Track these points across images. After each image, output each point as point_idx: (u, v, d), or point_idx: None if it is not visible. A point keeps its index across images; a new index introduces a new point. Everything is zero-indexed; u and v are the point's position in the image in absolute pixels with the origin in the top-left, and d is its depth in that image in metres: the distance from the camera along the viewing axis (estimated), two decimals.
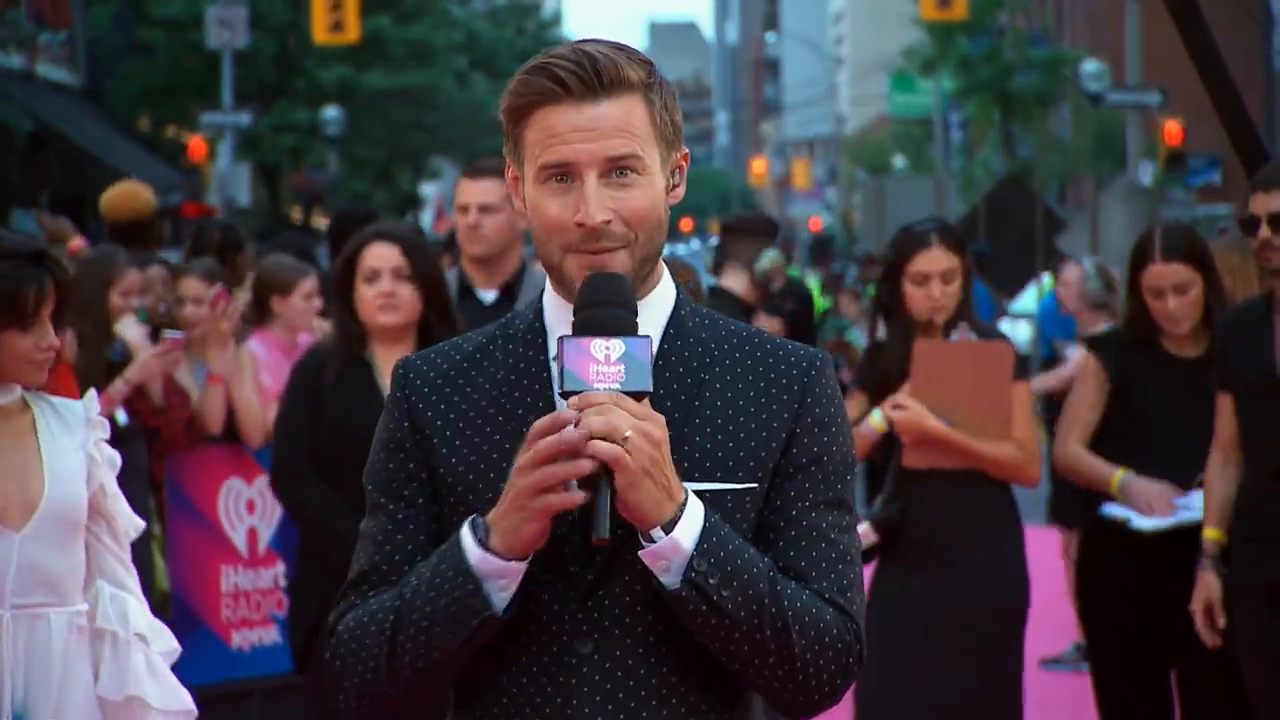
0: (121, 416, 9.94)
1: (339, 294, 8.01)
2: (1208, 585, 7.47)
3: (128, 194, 13.80)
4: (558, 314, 3.82)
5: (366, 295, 7.84)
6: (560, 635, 3.72)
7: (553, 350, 3.76)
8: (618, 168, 3.73)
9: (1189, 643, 7.74)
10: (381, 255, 7.86)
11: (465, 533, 3.64)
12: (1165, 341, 8.01)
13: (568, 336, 3.65)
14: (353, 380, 7.88)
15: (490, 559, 3.61)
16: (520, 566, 3.62)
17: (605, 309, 3.66)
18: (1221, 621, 7.44)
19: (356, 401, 7.76)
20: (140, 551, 10.34)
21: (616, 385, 3.60)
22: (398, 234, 8.22)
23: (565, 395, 3.62)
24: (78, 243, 14.23)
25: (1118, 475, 7.81)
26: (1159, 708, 8.04)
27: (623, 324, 3.65)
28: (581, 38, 3.88)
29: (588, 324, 3.67)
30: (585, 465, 3.56)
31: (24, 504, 5.62)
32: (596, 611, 3.71)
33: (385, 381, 7.58)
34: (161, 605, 10.45)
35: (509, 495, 3.59)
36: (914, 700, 7.80)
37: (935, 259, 7.85)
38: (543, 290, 3.90)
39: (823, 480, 3.78)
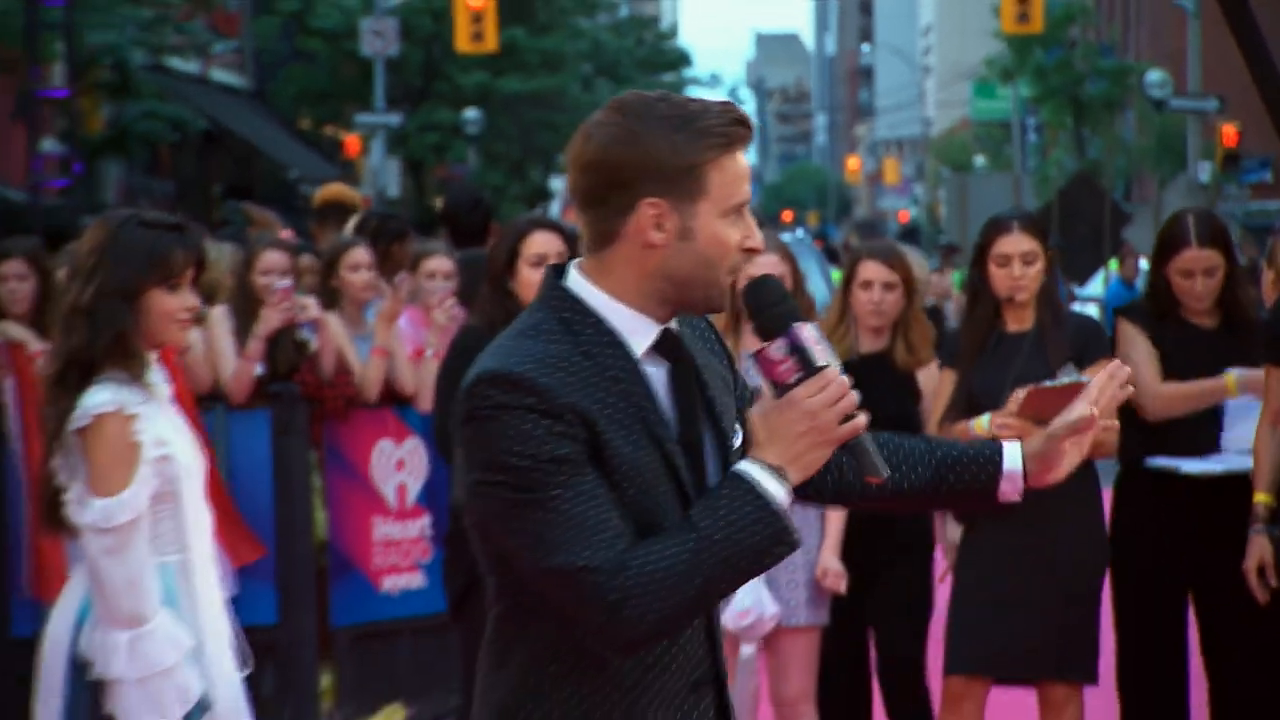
0: (259, 369, 10.15)
1: (497, 277, 7.91)
2: (1260, 547, 7.45)
3: (342, 189, 14.11)
4: (628, 319, 3.80)
5: (534, 279, 7.66)
6: None
7: (639, 348, 3.80)
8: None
9: (1208, 574, 7.87)
10: (547, 241, 7.80)
11: (759, 476, 3.66)
12: (1185, 314, 8.00)
13: (796, 326, 3.71)
14: None
15: (787, 495, 3.66)
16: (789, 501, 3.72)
17: (788, 303, 3.75)
18: (1275, 581, 7.42)
19: None
20: (302, 504, 10.45)
21: (828, 357, 3.72)
22: (556, 223, 8.21)
23: (810, 372, 3.69)
24: (285, 232, 14.33)
25: (1230, 377, 7.79)
26: (1175, 633, 8.02)
27: (798, 311, 3.76)
28: (687, 94, 4.12)
29: (785, 316, 3.74)
30: (862, 421, 3.72)
31: (196, 458, 5.67)
32: None
33: None
34: (320, 552, 10.54)
35: (803, 428, 3.65)
36: (1003, 636, 7.77)
37: (1016, 241, 7.82)
38: (562, 301, 3.83)
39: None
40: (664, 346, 3.82)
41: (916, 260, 12.07)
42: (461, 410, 3.77)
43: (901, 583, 8.06)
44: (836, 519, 7.88)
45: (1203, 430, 7.85)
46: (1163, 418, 7.87)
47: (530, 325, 3.82)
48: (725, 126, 3.76)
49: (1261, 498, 7.53)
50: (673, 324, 3.84)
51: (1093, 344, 7.89)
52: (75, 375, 5.47)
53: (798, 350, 3.69)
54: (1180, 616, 8.06)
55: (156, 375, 5.68)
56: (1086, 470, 7.83)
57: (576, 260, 3.86)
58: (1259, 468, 7.56)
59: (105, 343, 5.45)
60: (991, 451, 4.05)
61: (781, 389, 3.70)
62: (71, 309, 5.54)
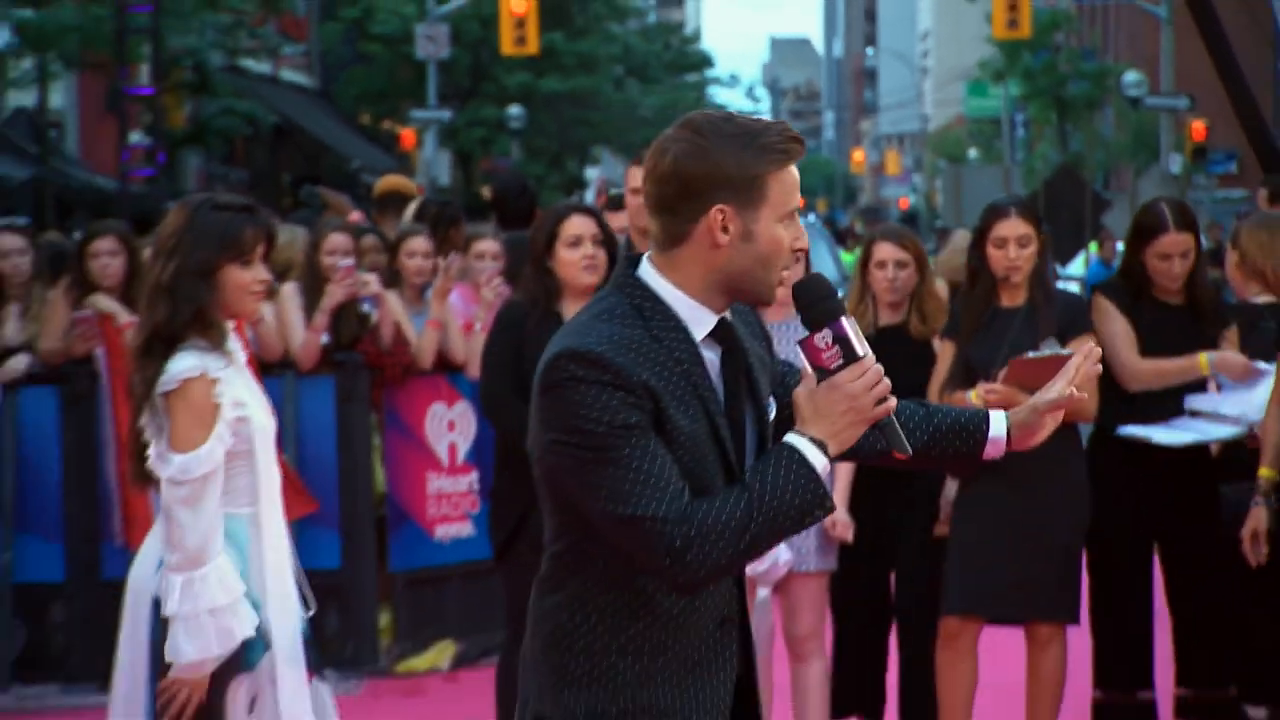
0: (325, 339, 10.23)
1: (538, 257, 7.87)
2: (1257, 518, 7.44)
3: (399, 179, 14.17)
4: (690, 310, 3.90)
5: (572, 258, 7.66)
6: None
7: (698, 333, 3.92)
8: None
9: (1172, 530, 7.91)
10: (582, 224, 7.75)
11: (806, 448, 3.79)
12: (1156, 294, 7.97)
13: (840, 320, 3.82)
14: (548, 328, 7.77)
15: (827, 465, 3.80)
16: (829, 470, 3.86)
17: (833, 299, 3.86)
18: (1265, 549, 7.42)
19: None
20: (363, 461, 10.46)
21: (865, 347, 3.85)
22: (590, 208, 8.20)
23: (850, 360, 3.82)
24: (356, 215, 14.34)
25: (1203, 357, 7.78)
26: (1142, 581, 8.01)
27: (843, 306, 3.87)
28: (734, 110, 4.06)
29: (831, 310, 3.84)
30: (894, 404, 3.86)
31: (269, 420, 5.65)
32: None
33: None
34: (379, 504, 10.55)
35: (844, 409, 3.79)
36: (997, 571, 7.77)
37: (1013, 226, 7.80)
38: (635, 292, 3.93)
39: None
40: (719, 334, 3.93)
41: None
42: (542, 381, 3.84)
43: (919, 530, 8.05)
44: (844, 476, 7.87)
45: (1170, 401, 7.82)
46: (1139, 390, 7.86)
47: (605, 309, 3.91)
48: (784, 143, 3.88)
49: (1266, 472, 7.51)
50: (727, 314, 3.95)
51: (1079, 320, 7.87)
52: (161, 345, 5.47)
53: (840, 340, 3.80)
54: (1147, 567, 8.06)
55: (234, 343, 5.67)
56: (1070, 435, 7.83)
57: (647, 255, 3.95)
58: (1266, 443, 7.54)
59: (186, 316, 5.44)
60: (980, 419, 4.19)
61: (825, 373, 3.81)
62: (155, 286, 5.53)
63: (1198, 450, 7.82)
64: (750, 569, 7.72)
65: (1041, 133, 58.47)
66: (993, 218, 7.89)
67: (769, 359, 4.09)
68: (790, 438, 3.80)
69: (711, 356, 3.92)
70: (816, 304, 3.85)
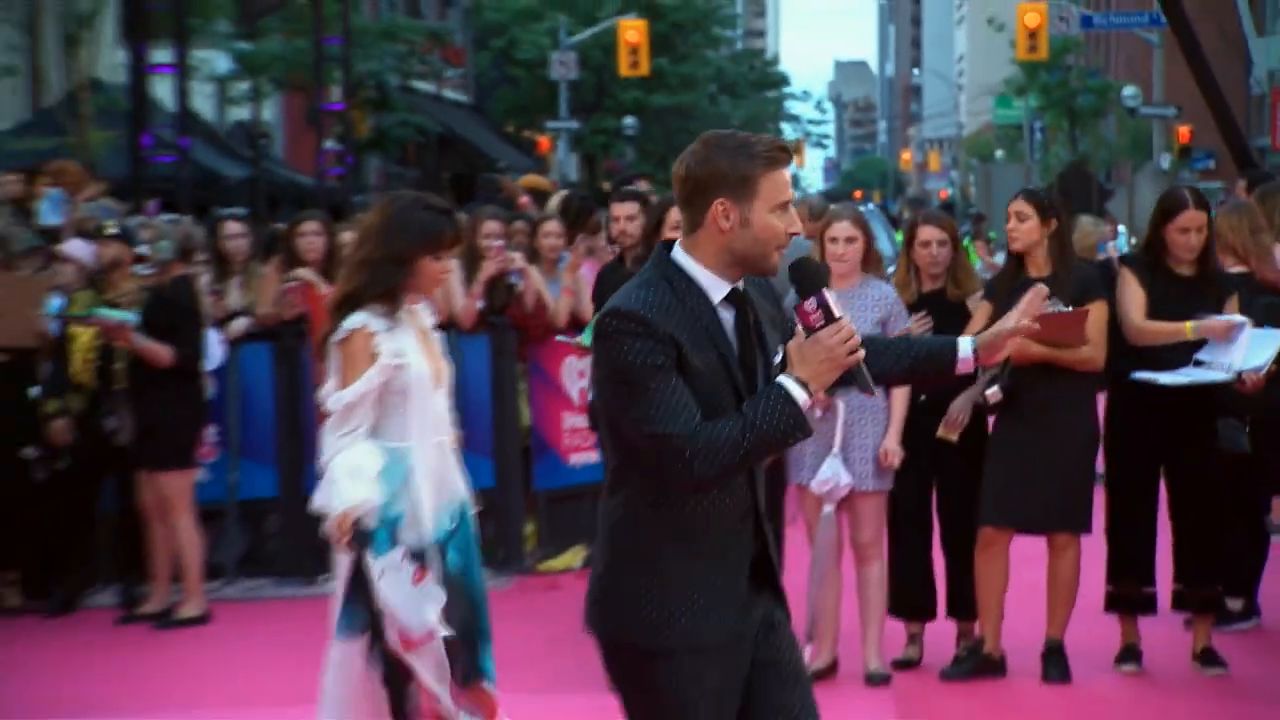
0: (480, 305, 10.29)
1: (648, 237, 7.90)
2: None
3: (537, 177, 14.24)
4: (709, 280, 4.02)
5: (674, 237, 7.67)
6: None
7: (716, 298, 4.04)
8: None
9: (1175, 455, 7.84)
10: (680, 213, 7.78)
11: (792, 386, 3.90)
12: (1171, 264, 7.88)
13: (828, 290, 3.94)
14: None
15: (808, 399, 3.90)
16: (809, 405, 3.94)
17: (820, 275, 3.99)
18: None
19: None
20: (511, 403, 10.51)
21: (846, 314, 3.99)
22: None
23: (830, 321, 3.92)
24: (525, 200, 14.40)
25: (1189, 325, 7.70)
26: (1150, 502, 7.94)
27: (827, 280, 4.01)
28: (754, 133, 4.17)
29: (817, 283, 3.95)
30: (860, 355, 3.95)
31: (437, 372, 5.62)
32: None
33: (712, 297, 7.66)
34: (525, 436, 10.60)
35: (822, 358, 3.90)
36: (1022, 490, 7.76)
37: (1018, 205, 7.88)
38: (666, 267, 4.06)
39: None
40: (732, 298, 4.05)
41: None
42: (595, 332, 4.03)
43: (955, 458, 8.01)
44: (899, 413, 7.84)
45: (1176, 353, 7.74)
46: (1140, 345, 7.81)
47: (644, 280, 4.05)
48: (771, 151, 4.01)
49: None
50: (740, 284, 4.06)
51: (1091, 287, 7.81)
52: (346, 308, 5.47)
53: (823, 306, 3.92)
54: (1154, 486, 7.98)
55: (425, 315, 5.63)
56: (1083, 384, 7.82)
57: (678, 240, 4.10)
58: None
59: (376, 291, 5.42)
60: (951, 343, 4.29)
61: (811, 331, 3.93)
62: (357, 261, 5.52)
63: (1199, 393, 7.71)
64: (816, 489, 7.77)
65: (1055, 136, 57.81)
66: (1011, 200, 8.01)
67: (780, 318, 4.19)
68: (780, 378, 3.93)
69: (727, 315, 4.04)
70: (806, 279, 3.97)
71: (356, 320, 5.38)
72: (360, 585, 5.24)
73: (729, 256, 4.01)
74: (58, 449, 9.75)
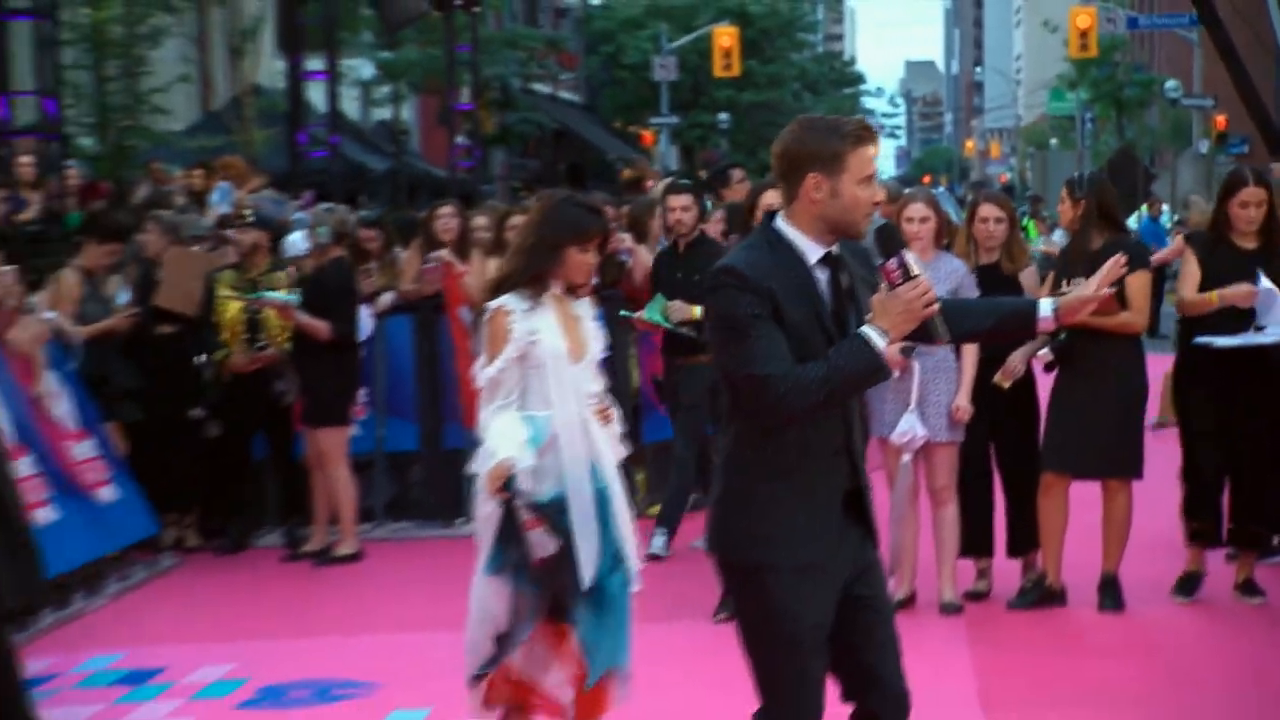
0: (594, 281, 10.07)
1: (745, 217, 7.88)
2: None
3: (642, 167, 14.19)
4: (806, 244, 4.04)
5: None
6: None
7: (811, 259, 4.06)
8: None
9: (1235, 406, 7.63)
10: (773, 196, 7.64)
11: (872, 334, 3.92)
12: (1233, 237, 7.73)
13: (903, 252, 3.98)
14: None
15: (885, 346, 3.93)
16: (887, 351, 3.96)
17: (899, 239, 4.08)
18: None
19: None
20: (623, 366, 10.48)
21: (924, 272, 4.02)
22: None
23: (908, 278, 3.95)
24: (649, 182, 14.36)
25: (1214, 295, 7.55)
26: (1217, 449, 7.75)
27: (901, 245, 4.05)
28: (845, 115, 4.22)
29: (897, 246, 4.00)
30: (935, 308, 3.99)
31: (577, 350, 5.53)
32: None
33: None
34: (634, 395, 10.56)
35: (901, 310, 3.92)
36: (1080, 440, 7.68)
37: (1062, 192, 7.85)
38: (769, 232, 4.09)
39: None
40: (827, 260, 4.07)
41: None
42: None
43: (1017, 411, 7.95)
44: (969, 373, 7.77)
45: (1238, 319, 7.57)
46: (1188, 315, 7.70)
47: (749, 244, 4.12)
48: (857, 131, 4.03)
49: None
50: (834, 248, 4.07)
51: (1136, 258, 7.69)
52: (498, 290, 5.40)
53: (903, 265, 3.95)
54: (1220, 436, 7.77)
55: (581, 305, 5.52)
56: (1132, 346, 7.71)
57: (780, 211, 4.11)
58: None
59: (526, 276, 5.35)
60: (1033, 304, 4.27)
61: (891, 287, 3.96)
62: (514, 250, 5.48)
63: (1257, 354, 7.54)
64: (895, 440, 7.73)
65: (1104, 126, 57.01)
66: (1064, 187, 7.96)
67: (873, 280, 4.15)
68: (863, 327, 3.95)
69: (822, 275, 4.05)
70: (889, 243, 4.02)
71: (499, 302, 5.35)
72: (510, 530, 5.23)
73: (822, 224, 4.02)
74: (219, 410, 9.87)
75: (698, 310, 8.69)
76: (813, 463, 4.02)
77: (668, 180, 12.78)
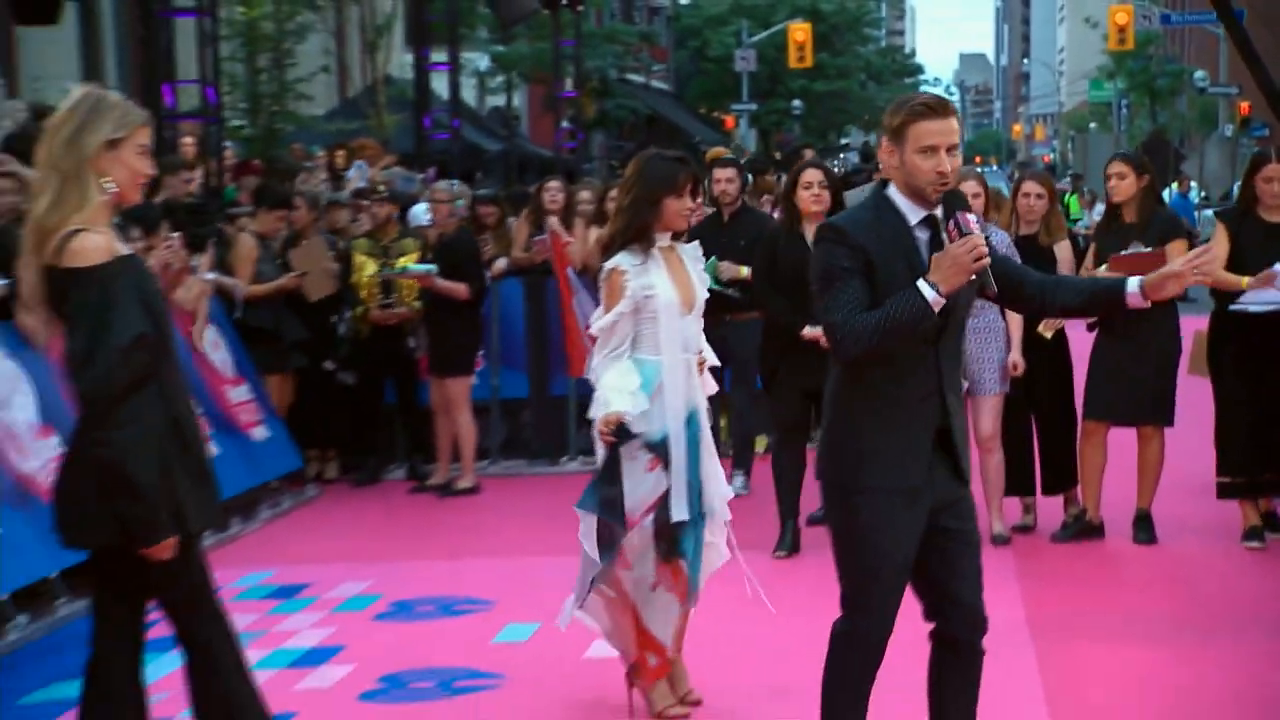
0: None
1: (787, 196, 7.74)
2: None
3: (720, 149, 14.16)
4: (907, 206, 3.96)
5: (806, 196, 7.51)
6: (929, 340, 3.97)
7: (912, 220, 3.99)
8: (950, 147, 3.93)
9: (1265, 364, 7.41)
10: (814, 174, 7.55)
11: (924, 286, 3.86)
12: (1260, 211, 7.52)
13: (959, 213, 3.92)
14: (792, 242, 7.54)
15: (938, 298, 3.86)
16: (942, 302, 3.88)
17: (960, 202, 4.07)
18: None
19: (795, 252, 7.38)
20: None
21: (980, 231, 3.93)
22: (819, 163, 7.97)
23: (962, 236, 3.89)
24: (720, 149, 14.34)
25: (1244, 280, 7.32)
26: (1249, 404, 7.52)
27: (967, 206, 4.04)
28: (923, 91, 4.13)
29: (956, 208, 3.95)
30: (986, 262, 3.91)
31: (687, 300, 5.46)
32: (945, 333, 4.00)
33: (808, 240, 7.39)
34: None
35: (949, 264, 3.85)
36: (1118, 392, 7.61)
37: (1118, 167, 7.67)
38: (878, 196, 4.03)
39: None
40: (928, 221, 3.99)
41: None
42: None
43: (1053, 366, 7.84)
44: (1017, 333, 7.66)
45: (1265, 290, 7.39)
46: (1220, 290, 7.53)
47: (863, 204, 4.06)
48: (915, 107, 3.95)
49: None
50: (937, 210, 3.97)
51: (1171, 230, 7.56)
52: (610, 249, 5.31)
53: (958, 224, 3.90)
54: (1248, 392, 7.55)
55: (689, 252, 5.39)
56: (1168, 309, 7.55)
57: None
58: None
59: (633, 230, 5.26)
60: (1121, 282, 4.10)
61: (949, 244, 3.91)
62: (617, 209, 5.41)
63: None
64: None
65: (1139, 112, 55.91)
66: (1108, 163, 7.79)
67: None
68: (918, 280, 3.87)
69: (922, 235, 3.97)
70: (949, 205, 3.95)
71: (613, 261, 5.26)
72: (609, 472, 5.19)
73: (905, 188, 3.96)
74: (355, 361, 9.94)
75: (745, 270, 8.58)
76: (905, 401, 3.95)
77: (748, 161, 12.69)
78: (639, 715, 5.35)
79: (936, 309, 3.87)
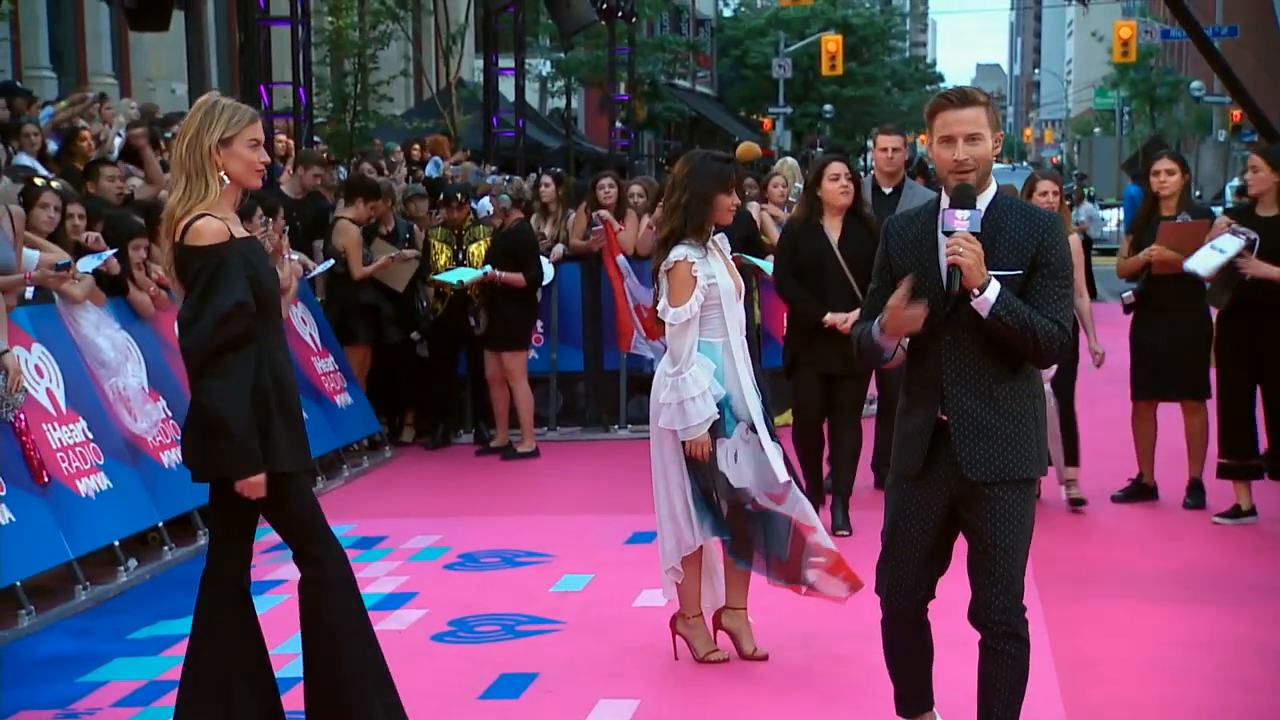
0: None
1: (810, 187, 7.40)
2: None
3: (749, 145, 13.96)
4: (945, 200, 3.71)
5: (831, 188, 7.20)
6: (935, 332, 3.70)
7: (939, 219, 3.73)
8: (969, 137, 3.68)
9: (1269, 349, 7.20)
10: (839, 167, 7.31)
11: (875, 328, 3.72)
12: (1258, 208, 7.34)
13: (947, 209, 3.66)
14: (813, 234, 7.33)
15: (887, 339, 3.74)
16: (894, 342, 3.72)
17: (969, 195, 3.66)
18: None
19: (815, 244, 7.24)
20: (748, 306, 10.32)
21: (965, 228, 3.64)
22: (844, 155, 7.77)
23: (946, 234, 3.64)
24: (758, 148, 14.18)
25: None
26: (1248, 381, 7.33)
27: (970, 203, 3.66)
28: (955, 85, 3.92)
29: (966, 201, 3.66)
30: (960, 259, 3.61)
31: (739, 285, 5.23)
32: (950, 325, 3.70)
33: (830, 234, 7.21)
34: (756, 334, 10.39)
35: (892, 319, 3.66)
36: (1160, 371, 7.60)
37: (1165, 164, 7.59)
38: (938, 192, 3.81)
39: (1052, 269, 3.69)
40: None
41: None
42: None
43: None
44: (1089, 321, 7.63)
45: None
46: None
47: (924, 203, 3.90)
48: (937, 100, 3.74)
49: None
50: (944, 203, 3.71)
51: (1205, 219, 7.47)
52: (671, 242, 5.19)
53: (943, 223, 3.67)
54: (1249, 372, 7.35)
55: (724, 243, 5.32)
56: (1198, 286, 7.39)
57: None
58: None
59: (689, 227, 5.18)
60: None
61: (950, 232, 3.64)
62: (671, 206, 5.30)
63: None
64: None
65: (1139, 118, 55.34)
66: (1151, 158, 7.66)
67: (1029, 240, 3.70)
68: (874, 321, 3.75)
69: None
70: (959, 197, 3.63)
71: (679, 253, 5.13)
72: (695, 465, 5.09)
73: (942, 180, 3.75)
74: (429, 336, 9.94)
75: (762, 262, 8.47)
76: (915, 394, 3.80)
77: (783, 160, 12.58)
78: (682, 658, 5.33)
79: (887, 348, 3.72)
